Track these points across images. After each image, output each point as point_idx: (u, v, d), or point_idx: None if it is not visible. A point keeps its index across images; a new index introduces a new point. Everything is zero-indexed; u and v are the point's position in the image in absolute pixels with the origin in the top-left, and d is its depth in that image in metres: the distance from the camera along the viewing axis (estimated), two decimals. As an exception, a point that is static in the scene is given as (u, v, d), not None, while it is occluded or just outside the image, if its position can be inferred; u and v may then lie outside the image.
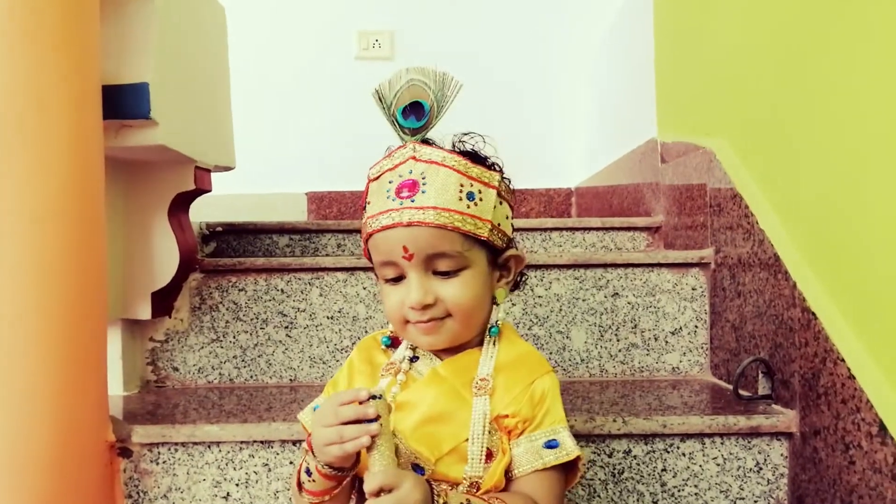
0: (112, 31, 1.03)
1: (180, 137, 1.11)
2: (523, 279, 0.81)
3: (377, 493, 0.62)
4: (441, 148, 0.72)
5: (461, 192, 0.70)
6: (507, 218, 0.75)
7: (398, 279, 0.72)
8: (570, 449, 0.71)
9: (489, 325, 0.75)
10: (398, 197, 0.70)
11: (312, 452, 0.67)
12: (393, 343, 0.79)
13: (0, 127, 0.83)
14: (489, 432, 0.70)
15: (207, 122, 1.26)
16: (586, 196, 2.45)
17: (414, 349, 0.77)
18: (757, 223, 1.06)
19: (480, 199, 0.71)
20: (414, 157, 0.71)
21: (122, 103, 1.02)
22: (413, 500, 0.61)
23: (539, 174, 2.58)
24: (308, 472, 0.67)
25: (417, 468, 0.70)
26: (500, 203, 0.74)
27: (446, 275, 0.71)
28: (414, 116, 0.71)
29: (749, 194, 1.11)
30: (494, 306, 0.76)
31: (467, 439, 0.70)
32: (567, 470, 0.73)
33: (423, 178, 0.70)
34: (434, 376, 0.74)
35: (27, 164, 0.85)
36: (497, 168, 0.75)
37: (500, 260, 0.75)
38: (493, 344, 0.75)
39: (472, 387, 0.72)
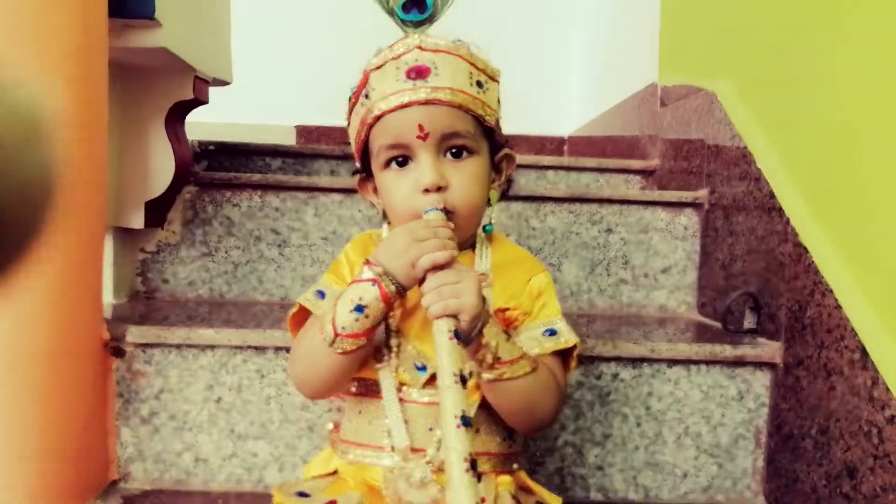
0: (116, -77, 0.99)
1: (182, 43, 1.09)
2: (512, 184, 0.82)
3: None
4: (446, 39, 0.71)
5: (471, 78, 0.70)
6: (500, 119, 0.76)
7: (403, 162, 0.71)
8: (567, 336, 0.73)
9: (483, 225, 0.76)
10: (409, 79, 0.68)
11: (382, 278, 0.65)
12: None
13: (11, 14, 0.81)
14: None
15: (209, 32, 1.24)
16: (579, 144, 2.45)
17: None
18: (755, 162, 1.08)
19: (487, 90, 0.72)
20: (420, 47, 0.69)
21: (127, 1, 0.99)
22: (471, 289, 0.63)
23: (531, 120, 2.57)
24: (360, 310, 0.65)
25: (421, 368, 0.71)
26: (499, 103, 0.75)
27: (458, 156, 0.70)
28: (416, 10, 0.70)
29: (748, 134, 1.12)
30: (487, 208, 0.76)
31: None
32: (564, 361, 0.75)
33: (434, 64, 0.69)
34: None
35: (31, 55, 0.83)
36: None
37: (496, 158, 0.76)
38: (485, 245, 0.76)
39: None
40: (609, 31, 2.23)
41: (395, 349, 0.71)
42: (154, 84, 1.18)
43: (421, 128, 0.68)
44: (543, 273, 0.77)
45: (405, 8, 0.71)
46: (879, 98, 0.79)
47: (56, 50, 0.83)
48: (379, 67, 0.71)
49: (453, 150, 0.70)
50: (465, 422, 0.58)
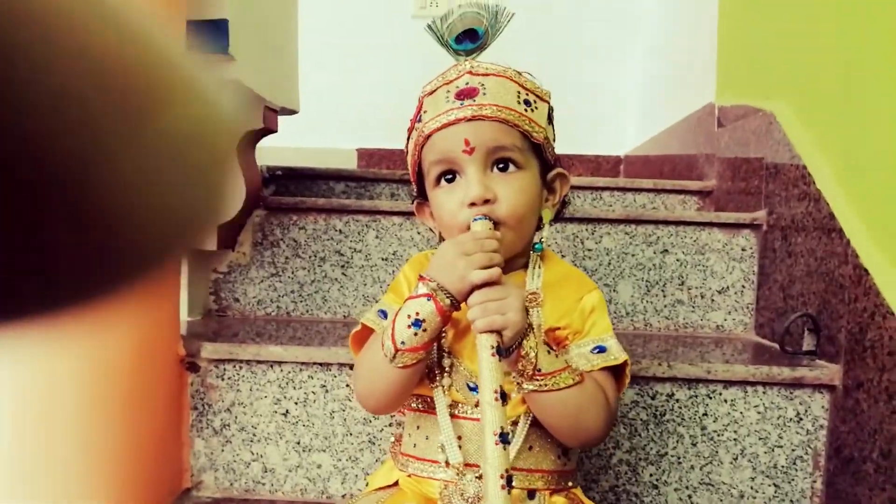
0: (196, -32, 1.07)
1: (253, 75, 1.16)
2: (567, 205, 0.83)
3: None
4: (496, 64, 0.74)
5: (519, 97, 0.72)
6: (554, 140, 0.78)
7: (452, 179, 0.73)
8: (617, 354, 0.73)
9: (534, 243, 0.77)
10: (458, 100, 0.71)
11: (436, 292, 0.67)
12: None
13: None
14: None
15: (278, 63, 1.31)
16: (636, 164, 2.44)
17: None
18: (814, 183, 1.07)
19: (536, 108, 0.73)
20: (470, 72, 0.72)
21: (203, 38, 1.07)
22: (516, 306, 0.65)
23: (587, 140, 2.58)
24: (418, 324, 0.67)
25: (473, 388, 0.72)
26: (550, 124, 0.76)
27: (505, 169, 0.72)
28: (468, 41, 0.73)
29: (807, 155, 1.11)
30: (540, 229, 0.78)
31: None
32: (616, 379, 0.75)
33: (483, 86, 0.71)
34: None
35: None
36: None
37: (549, 177, 0.77)
38: (538, 264, 0.77)
39: (525, 300, 0.73)
40: (667, 50, 2.24)
41: (447, 369, 0.73)
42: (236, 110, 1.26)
43: (466, 142, 0.70)
44: (595, 291, 0.77)
45: (458, 40, 0.74)
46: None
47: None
48: (432, 93, 0.74)
49: (500, 165, 0.71)
50: (503, 438, 0.60)
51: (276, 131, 1.32)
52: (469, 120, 0.70)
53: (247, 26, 1.13)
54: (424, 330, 0.67)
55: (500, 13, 0.74)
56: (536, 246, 0.77)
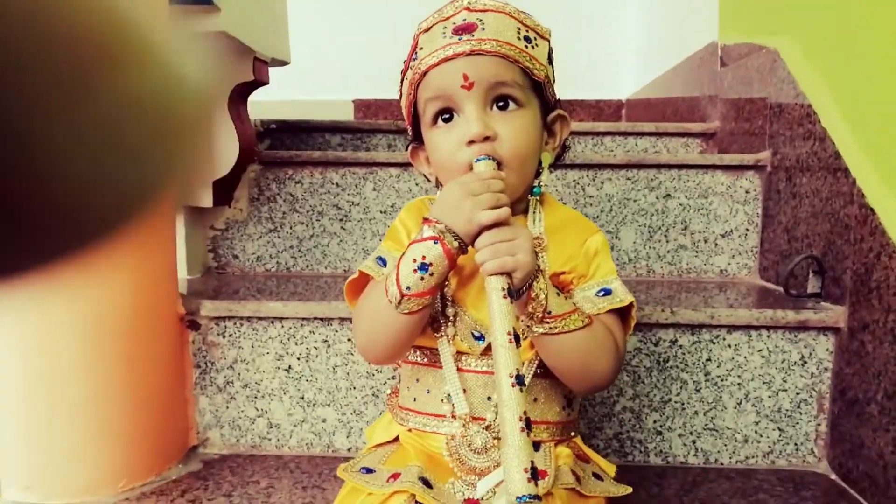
0: (175, -87, 1.03)
1: (241, 26, 1.12)
2: (567, 149, 0.80)
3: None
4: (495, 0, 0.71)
5: (519, 33, 0.69)
6: (554, 81, 0.75)
7: (449, 118, 0.70)
8: (622, 296, 0.72)
9: (531, 187, 0.74)
10: (455, 35, 0.69)
11: (443, 234, 0.65)
12: None
13: None
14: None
15: (266, 14, 1.27)
16: (637, 107, 2.40)
17: None
18: (819, 122, 1.04)
19: (536, 45, 0.71)
20: (468, 8, 0.70)
21: (186, -12, 1.03)
22: (526, 246, 0.63)
23: (588, 84, 2.53)
24: (424, 268, 0.65)
25: (478, 338, 0.71)
26: (550, 64, 0.74)
27: (505, 108, 0.69)
28: None
29: (812, 93, 1.08)
30: (539, 171, 0.75)
31: None
32: (622, 321, 0.74)
33: (481, 21, 0.69)
34: None
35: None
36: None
37: (549, 118, 0.74)
38: (538, 209, 0.75)
39: None
40: (667, -12, 2.17)
41: (451, 318, 0.72)
42: (215, 68, 1.23)
43: (465, 77, 0.67)
44: (598, 233, 0.75)
45: None
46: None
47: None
48: (428, 30, 0.71)
49: (500, 103, 0.69)
50: (520, 380, 0.59)
51: (267, 83, 1.29)
52: (468, 55, 0.67)
53: (231, -26, 1.09)
54: (431, 274, 0.65)
55: None
56: (534, 190, 0.75)
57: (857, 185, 0.93)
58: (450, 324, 0.72)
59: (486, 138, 0.67)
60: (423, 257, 0.65)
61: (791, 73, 1.15)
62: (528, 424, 0.58)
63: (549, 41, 0.73)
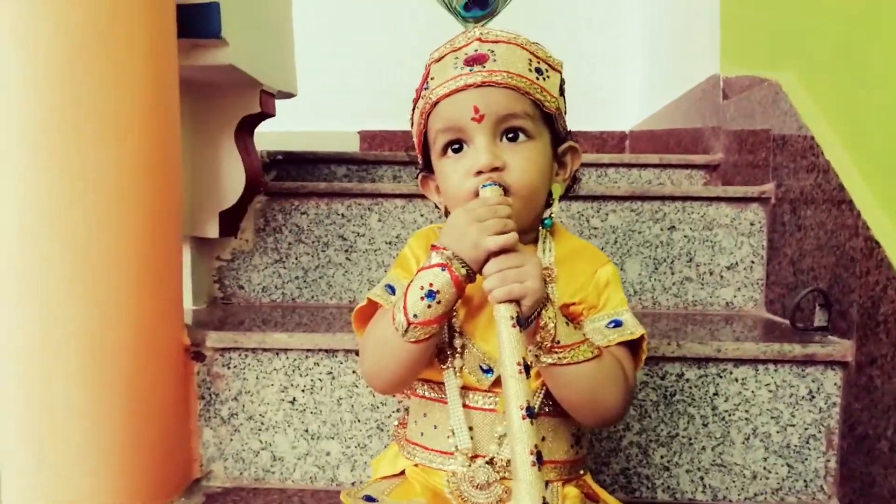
0: (186, -49, 1.05)
1: (248, 59, 1.14)
2: (578, 181, 0.80)
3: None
4: (506, 31, 0.71)
5: (530, 65, 0.70)
6: (565, 113, 0.75)
7: (459, 149, 0.70)
8: (633, 328, 0.71)
9: (543, 218, 0.74)
10: (466, 66, 0.69)
11: (451, 261, 0.64)
12: None
13: (82, 42, 0.87)
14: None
15: (273, 47, 1.29)
16: (641, 139, 2.41)
17: None
18: (822, 154, 1.05)
19: (547, 77, 0.71)
20: (479, 39, 0.70)
21: (195, 23, 1.04)
22: (534, 273, 0.63)
23: (592, 116, 2.55)
24: (432, 296, 0.64)
25: (486, 370, 0.70)
26: (562, 96, 0.74)
27: (514, 139, 0.69)
28: (477, 8, 0.71)
29: (815, 126, 1.09)
30: (550, 204, 0.75)
31: None
32: (633, 355, 0.73)
33: (492, 52, 0.69)
34: None
35: (109, 75, 0.88)
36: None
37: (560, 150, 0.74)
38: (548, 239, 0.75)
39: None
40: (669, 22, 2.20)
41: (458, 350, 0.71)
42: (222, 99, 1.24)
43: (476, 109, 0.67)
44: (609, 264, 0.75)
45: (467, 7, 0.72)
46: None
47: (127, 66, 0.89)
48: (439, 60, 0.72)
49: (510, 134, 0.69)
50: (530, 412, 0.58)
51: (273, 115, 1.30)
52: (479, 86, 0.68)
53: (239, 9, 1.11)
54: (439, 302, 0.65)
55: None
56: (546, 221, 0.74)
57: (861, 218, 0.93)
58: (457, 356, 0.71)
59: (495, 168, 0.68)
60: (431, 284, 0.65)
61: (793, 106, 1.16)
62: (540, 458, 0.57)
63: (560, 73, 0.73)
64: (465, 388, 0.71)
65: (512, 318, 0.61)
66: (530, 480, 0.56)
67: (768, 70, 1.31)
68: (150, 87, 0.92)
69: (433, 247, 0.66)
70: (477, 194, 0.68)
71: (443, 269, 0.64)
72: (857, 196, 0.95)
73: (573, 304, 0.72)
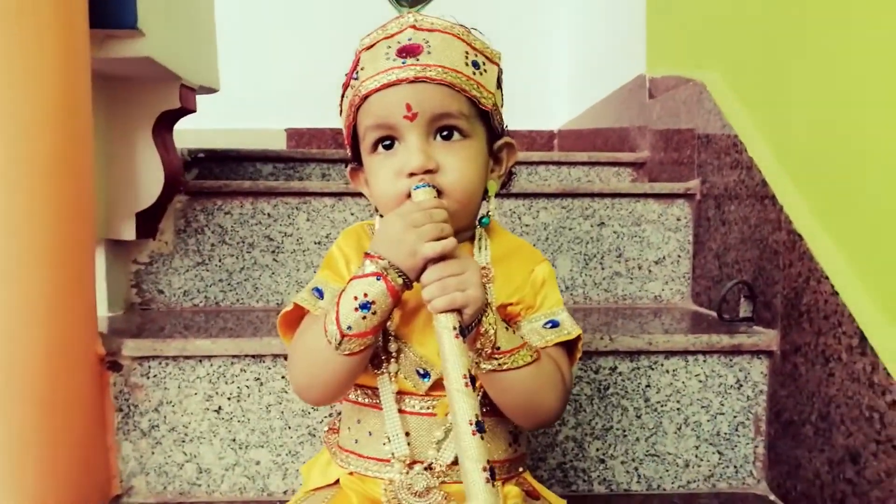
0: (95, -66, 0.98)
1: (167, 51, 1.08)
2: (512, 177, 0.78)
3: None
4: (442, 19, 0.69)
5: (467, 58, 0.67)
6: (502, 106, 0.73)
7: (390, 145, 0.67)
8: (570, 328, 0.70)
9: (480, 216, 0.72)
10: (399, 57, 0.66)
11: (387, 271, 0.61)
12: None
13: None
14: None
15: (193, 40, 1.23)
16: (569, 138, 2.45)
17: None
18: (745, 151, 1.08)
19: (485, 71, 0.68)
20: (414, 26, 0.67)
21: (108, 12, 0.98)
22: (476, 280, 0.60)
23: (521, 115, 2.55)
24: (366, 307, 0.61)
25: (423, 374, 0.68)
26: (499, 89, 0.72)
27: (448, 137, 0.66)
28: None
29: (739, 123, 1.12)
30: (485, 201, 0.73)
31: None
32: (568, 353, 0.72)
33: (427, 43, 0.66)
34: None
35: (11, 72, 0.82)
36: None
37: (496, 146, 0.72)
38: (484, 237, 0.73)
39: None
40: (595, 22, 2.23)
41: (394, 354, 0.68)
42: (139, 94, 1.18)
43: (409, 107, 0.64)
44: (544, 262, 0.73)
45: None
46: (871, 82, 0.80)
47: (36, 60, 0.83)
48: (370, 47, 0.68)
49: (444, 133, 0.66)
50: (480, 427, 0.56)
51: (194, 111, 1.25)
52: (412, 81, 0.64)
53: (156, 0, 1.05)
54: (374, 313, 0.62)
55: None
56: (483, 220, 0.72)
57: (784, 212, 0.96)
58: (392, 360, 0.68)
59: (428, 171, 0.65)
60: (366, 294, 0.61)
61: (717, 105, 1.19)
62: (493, 474, 0.55)
63: (498, 64, 0.71)
64: (400, 393, 0.68)
65: (455, 328, 0.59)
66: (485, 499, 0.54)
67: (693, 70, 1.34)
68: (59, 82, 0.86)
69: (367, 255, 0.63)
70: (409, 196, 0.65)
71: (378, 279, 0.61)
72: (780, 191, 0.98)
73: (510, 304, 0.70)
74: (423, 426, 0.68)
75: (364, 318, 0.62)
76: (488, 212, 0.72)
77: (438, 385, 0.67)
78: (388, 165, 0.67)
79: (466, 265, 0.61)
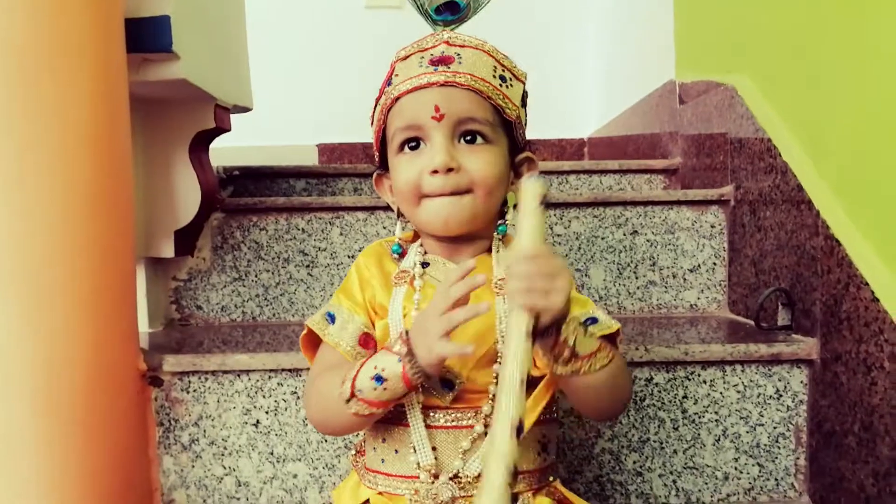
0: (132, -38, 1.02)
1: (201, 73, 1.11)
2: None
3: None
4: (474, 37, 0.72)
5: (495, 72, 0.70)
6: (525, 124, 0.75)
7: (417, 146, 0.69)
8: (608, 322, 0.70)
9: (498, 225, 0.73)
10: (431, 65, 0.69)
11: (410, 354, 0.62)
12: (402, 253, 0.75)
13: (25, 59, 0.83)
14: None
15: (227, 60, 1.26)
16: (599, 145, 2.43)
17: (424, 254, 0.74)
18: (780, 156, 1.06)
19: (511, 86, 0.71)
20: (447, 42, 0.70)
21: (144, 36, 1.01)
22: (564, 288, 0.58)
23: (551, 124, 2.56)
24: (379, 380, 0.62)
25: (446, 383, 0.68)
26: (523, 107, 0.74)
27: (472, 142, 0.69)
28: (448, 12, 0.72)
29: (772, 128, 1.10)
30: (505, 212, 0.74)
31: (496, 341, 0.68)
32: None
33: (458, 56, 0.69)
34: None
35: (55, 96, 0.84)
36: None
37: (517, 160, 0.74)
38: (503, 249, 0.73)
39: (493, 287, 0.69)
40: (623, 29, 2.22)
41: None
42: (176, 115, 1.21)
43: (437, 108, 0.67)
44: (566, 269, 0.73)
45: (438, 10, 0.72)
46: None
47: (76, 85, 0.85)
48: (405, 58, 0.71)
49: (468, 137, 0.68)
50: (520, 430, 0.55)
51: (229, 130, 1.27)
52: (441, 85, 0.68)
53: (191, 22, 1.08)
54: (385, 389, 0.63)
55: None
56: (500, 228, 0.73)
57: (820, 217, 0.94)
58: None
59: (450, 170, 0.67)
60: (384, 369, 0.63)
61: (749, 109, 1.17)
62: (516, 476, 0.55)
63: (524, 84, 0.74)
64: (425, 408, 0.68)
65: (526, 329, 0.57)
66: (496, 499, 0.54)
67: (723, 74, 1.33)
68: (98, 107, 0.89)
69: (403, 335, 0.64)
70: (421, 190, 0.67)
71: (398, 361, 0.62)
72: (816, 196, 0.96)
73: None
74: (449, 439, 0.68)
75: (375, 389, 0.63)
76: (505, 221, 0.73)
77: (462, 397, 0.68)
78: (412, 163, 0.69)
79: (558, 269, 0.59)
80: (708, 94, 1.38)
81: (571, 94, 2.63)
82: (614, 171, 1.59)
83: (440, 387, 0.68)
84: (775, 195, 1.08)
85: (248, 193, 1.57)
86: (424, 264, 0.73)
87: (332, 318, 0.72)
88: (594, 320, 0.71)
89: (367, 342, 0.72)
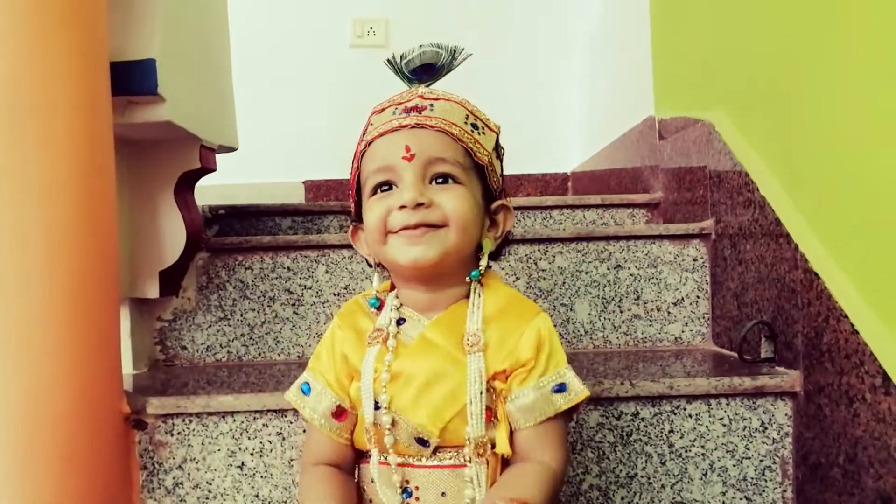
0: (117, 7, 1.03)
1: (186, 115, 1.12)
2: (508, 243, 0.80)
3: None
4: (448, 92, 0.75)
5: (466, 119, 0.72)
6: (500, 175, 0.76)
7: (389, 189, 0.70)
8: (578, 390, 0.71)
9: (470, 270, 0.73)
10: (404, 112, 0.71)
11: None
12: (380, 305, 0.75)
13: (10, 102, 0.84)
14: (487, 391, 0.69)
15: (212, 101, 1.27)
16: (583, 180, 2.46)
17: (399, 307, 0.74)
18: (757, 190, 1.08)
19: (483, 133, 0.73)
20: (421, 95, 0.73)
21: (130, 79, 1.02)
22: None
23: (534, 160, 2.59)
24: None
25: (422, 442, 0.69)
26: (497, 157, 0.76)
27: (444, 182, 0.70)
28: (424, 74, 0.74)
29: (749, 162, 1.13)
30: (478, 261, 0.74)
31: (470, 402, 0.68)
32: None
33: (431, 106, 0.71)
34: (424, 343, 0.71)
35: (37, 139, 0.85)
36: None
37: (492, 207, 0.75)
38: (479, 294, 0.73)
39: (464, 344, 0.70)
40: (604, 67, 2.27)
41: (389, 427, 0.69)
42: (161, 156, 1.21)
43: (407, 148, 0.68)
44: (539, 316, 0.72)
45: (415, 73, 0.75)
46: (882, 116, 0.80)
47: (60, 127, 0.86)
48: (381, 111, 0.74)
49: (439, 179, 0.70)
50: None
51: (214, 170, 1.28)
52: (412, 127, 0.69)
53: (177, 64, 1.09)
54: None
55: (457, 51, 0.74)
56: (472, 273, 0.73)
57: (799, 251, 0.96)
58: (386, 433, 0.69)
59: (420, 205, 0.67)
60: None
61: (727, 144, 1.20)
62: None
63: (497, 134, 0.75)
64: (401, 454, 0.71)
65: None
66: None
67: (700, 111, 1.36)
68: (82, 150, 0.89)
69: None
70: (386, 227, 0.68)
71: None
72: (794, 229, 0.98)
73: (504, 370, 0.70)
74: (432, 479, 0.69)
75: None
76: (479, 267, 0.73)
77: (440, 448, 0.69)
78: (381, 203, 0.70)
79: None
80: (686, 130, 1.41)
81: (555, 129, 2.67)
82: (597, 206, 1.61)
83: (416, 444, 0.70)
84: (754, 229, 1.10)
85: (233, 232, 1.57)
86: (399, 321, 0.73)
87: (307, 389, 0.75)
88: (562, 387, 0.71)
89: (340, 415, 0.73)
